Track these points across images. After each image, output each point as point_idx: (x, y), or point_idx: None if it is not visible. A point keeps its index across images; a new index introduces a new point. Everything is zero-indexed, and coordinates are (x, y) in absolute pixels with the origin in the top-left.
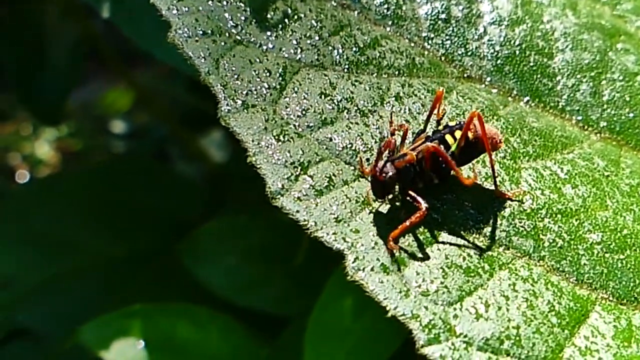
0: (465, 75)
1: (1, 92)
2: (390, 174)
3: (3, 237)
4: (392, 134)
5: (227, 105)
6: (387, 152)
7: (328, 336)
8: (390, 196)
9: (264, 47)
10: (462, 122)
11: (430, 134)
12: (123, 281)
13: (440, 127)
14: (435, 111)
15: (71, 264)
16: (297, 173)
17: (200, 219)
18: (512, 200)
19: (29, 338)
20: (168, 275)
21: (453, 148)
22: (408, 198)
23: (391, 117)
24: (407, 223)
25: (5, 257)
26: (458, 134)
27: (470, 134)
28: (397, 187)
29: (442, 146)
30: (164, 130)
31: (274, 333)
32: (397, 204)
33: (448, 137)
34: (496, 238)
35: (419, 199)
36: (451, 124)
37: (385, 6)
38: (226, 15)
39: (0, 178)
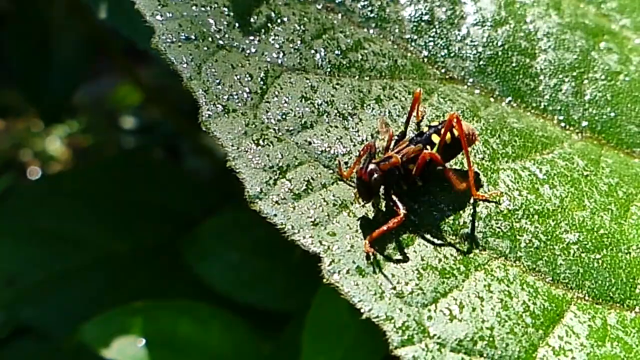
0: (447, 76)
1: (11, 89)
2: (376, 176)
3: (8, 235)
4: (373, 137)
5: (208, 110)
6: (367, 155)
7: (326, 333)
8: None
9: (247, 52)
10: (444, 121)
11: (412, 135)
12: (127, 277)
13: (425, 129)
14: (415, 113)
15: (75, 261)
16: (276, 177)
17: (205, 215)
18: (489, 202)
19: (33, 335)
20: (173, 271)
21: (434, 150)
22: (390, 202)
23: (381, 121)
24: (385, 227)
25: (10, 255)
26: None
27: (455, 132)
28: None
29: (428, 147)
30: (173, 126)
31: (276, 329)
32: (376, 207)
33: (434, 137)
34: (472, 239)
35: (399, 204)
36: (434, 123)
37: (369, 8)
38: (209, 20)
39: (12, 174)
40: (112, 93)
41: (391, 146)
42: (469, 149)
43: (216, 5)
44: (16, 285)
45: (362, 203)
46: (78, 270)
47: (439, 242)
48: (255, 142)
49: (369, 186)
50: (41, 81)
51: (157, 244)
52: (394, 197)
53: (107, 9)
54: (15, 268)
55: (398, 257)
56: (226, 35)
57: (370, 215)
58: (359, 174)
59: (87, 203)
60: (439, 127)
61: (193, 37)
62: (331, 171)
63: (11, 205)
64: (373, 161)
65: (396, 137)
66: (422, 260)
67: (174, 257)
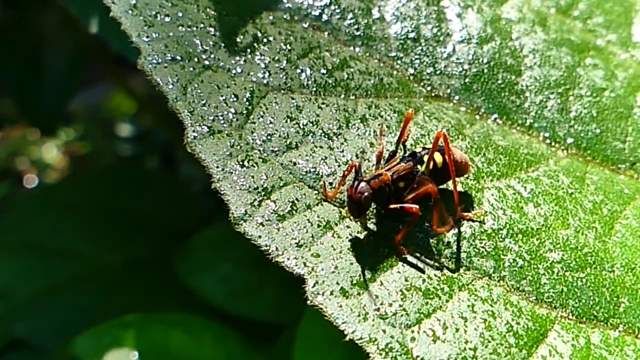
0: (433, 94)
1: (7, 97)
2: (366, 194)
3: (1, 248)
4: (358, 157)
5: (194, 131)
6: (354, 173)
7: (317, 345)
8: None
9: (233, 72)
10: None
11: (404, 155)
12: (121, 289)
13: (417, 148)
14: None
15: (69, 273)
16: (261, 198)
17: (200, 225)
18: (473, 221)
19: (26, 349)
20: (167, 282)
21: (422, 168)
22: (393, 211)
23: (380, 139)
24: (406, 227)
25: (3, 268)
26: (437, 156)
27: (441, 158)
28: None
29: (419, 166)
30: (167, 134)
31: (268, 341)
32: (363, 227)
33: (426, 159)
34: (457, 259)
35: (406, 205)
36: (428, 146)
37: (355, 26)
38: (196, 40)
39: (9, 182)
40: (107, 100)
41: (381, 164)
42: (462, 177)
43: (202, 25)
44: (9, 298)
45: (353, 219)
46: (71, 283)
47: (423, 262)
48: (240, 163)
49: (360, 203)
50: (34, 92)
51: (151, 255)
52: (397, 206)
53: (98, 23)
54: (8, 282)
55: (382, 278)
56: (212, 56)
57: (355, 235)
58: (349, 192)
59: (80, 215)
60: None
61: (179, 57)
62: (316, 192)
63: (4, 219)
64: (364, 178)
65: (386, 155)
66: (406, 281)
67: (167, 268)
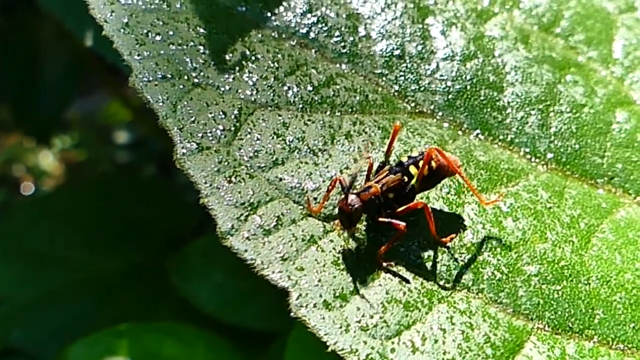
0: (417, 110)
1: (3, 104)
2: (357, 206)
3: None
4: (342, 172)
5: (183, 148)
6: (342, 187)
7: (309, 354)
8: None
9: (221, 89)
10: (423, 152)
11: (391, 165)
12: (116, 297)
13: (404, 159)
14: (386, 146)
15: (64, 281)
16: (247, 213)
17: (196, 233)
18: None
19: (22, 356)
20: (162, 290)
21: (413, 182)
22: (381, 224)
23: (366, 150)
24: (391, 243)
25: (0, 275)
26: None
27: (433, 163)
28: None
29: (406, 177)
30: (163, 142)
31: (261, 349)
32: (347, 240)
33: (412, 169)
34: (437, 272)
35: (394, 221)
36: (413, 154)
37: (342, 44)
38: (186, 58)
39: (5, 190)
40: (104, 108)
41: (371, 176)
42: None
43: (192, 43)
44: (5, 306)
45: (345, 232)
46: (67, 290)
47: (404, 275)
48: (228, 179)
49: (350, 216)
50: (31, 101)
51: (147, 262)
52: (383, 219)
53: (93, 35)
54: (4, 289)
55: (364, 290)
56: (202, 73)
57: (339, 249)
58: (340, 204)
59: (76, 223)
60: (418, 158)
61: (169, 75)
62: (301, 207)
63: (0, 226)
64: (353, 191)
65: (376, 168)
66: (387, 293)
67: (163, 275)
